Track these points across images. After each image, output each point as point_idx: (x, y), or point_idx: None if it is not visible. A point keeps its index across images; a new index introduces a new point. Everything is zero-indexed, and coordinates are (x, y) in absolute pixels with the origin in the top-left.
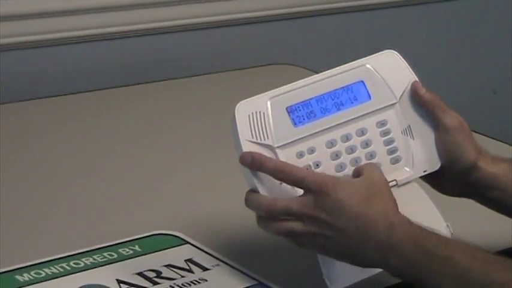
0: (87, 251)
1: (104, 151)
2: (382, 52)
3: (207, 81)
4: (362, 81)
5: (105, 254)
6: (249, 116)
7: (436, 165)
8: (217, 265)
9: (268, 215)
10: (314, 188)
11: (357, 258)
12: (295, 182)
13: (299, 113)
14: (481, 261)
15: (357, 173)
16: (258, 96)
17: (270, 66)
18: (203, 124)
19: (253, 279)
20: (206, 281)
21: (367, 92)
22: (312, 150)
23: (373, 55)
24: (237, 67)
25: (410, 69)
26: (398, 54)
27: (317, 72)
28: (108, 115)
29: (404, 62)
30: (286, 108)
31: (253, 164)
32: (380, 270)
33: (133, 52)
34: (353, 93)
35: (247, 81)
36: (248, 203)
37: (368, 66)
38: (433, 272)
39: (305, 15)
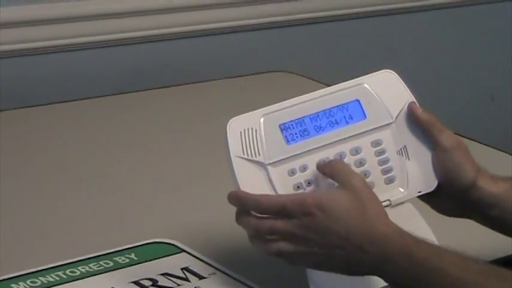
0: (83, 260)
1: (101, 159)
2: (379, 72)
3: (205, 89)
4: (358, 100)
5: (101, 262)
6: (241, 132)
7: (431, 185)
8: (214, 273)
9: (256, 235)
10: (298, 210)
11: (352, 271)
12: (279, 212)
13: (292, 130)
14: (475, 273)
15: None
16: (250, 112)
17: (268, 73)
18: (201, 132)
19: (250, 287)
20: None
21: (363, 111)
22: (304, 168)
23: (370, 74)
24: (235, 74)
25: (408, 90)
26: (395, 74)
27: (314, 80)
28: (107, 122)
29: (402, 82)
30: (279, 126)
31: (239, 202)
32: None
33: (133, 59)
34: (348, 112)
35: (245, 89)
36: (238, 221)
37: (364, 85)
38: (426, 283)
39: (303, 23)
